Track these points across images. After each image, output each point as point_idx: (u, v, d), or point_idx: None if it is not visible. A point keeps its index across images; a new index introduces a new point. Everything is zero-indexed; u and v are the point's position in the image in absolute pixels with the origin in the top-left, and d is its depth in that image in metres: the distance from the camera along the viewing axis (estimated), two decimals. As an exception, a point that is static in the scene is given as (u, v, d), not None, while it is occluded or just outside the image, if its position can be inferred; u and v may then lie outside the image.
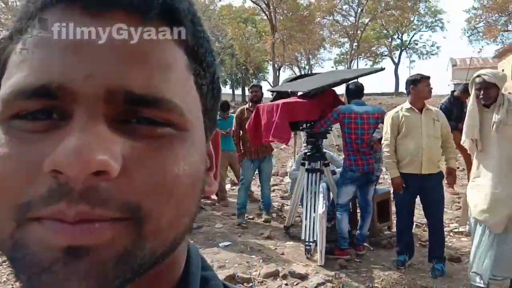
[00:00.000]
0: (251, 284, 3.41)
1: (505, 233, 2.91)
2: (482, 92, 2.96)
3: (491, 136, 2.98)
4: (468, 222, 3.36)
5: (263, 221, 5.21)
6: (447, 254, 3.79)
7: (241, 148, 5.23)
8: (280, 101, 4.14)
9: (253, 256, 4.00)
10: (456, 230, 4.62)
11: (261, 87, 5.39)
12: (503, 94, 3.01)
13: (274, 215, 5.49)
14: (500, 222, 2.89)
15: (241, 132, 5.19)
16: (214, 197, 6.41)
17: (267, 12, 22.81)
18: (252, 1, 23.87)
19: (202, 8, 24.35)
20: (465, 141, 3.10)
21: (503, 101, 2.96)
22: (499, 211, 2.89)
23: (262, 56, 27.76)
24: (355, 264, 3.82)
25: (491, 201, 2.92)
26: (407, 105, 3.63)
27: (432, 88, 3.60)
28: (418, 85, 3.54)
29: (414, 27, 36.64)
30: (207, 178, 0.39)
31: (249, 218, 5.33)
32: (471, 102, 3.07)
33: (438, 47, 40.58)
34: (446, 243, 4.22)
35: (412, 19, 32.93)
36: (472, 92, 3.05)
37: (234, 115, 5.45)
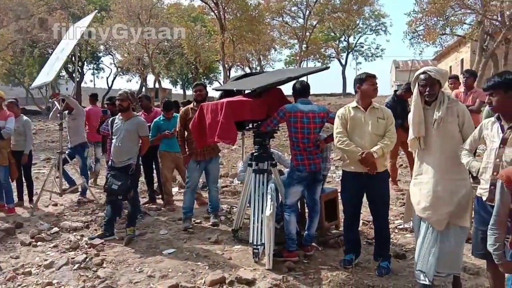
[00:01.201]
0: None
1: (447, 230, 2.94)
2: (427, 88, 2.97)
3: (432, 134, 3.00)
4: (412, 219, 3.38)
5: (211, 225, 5.03)
6: (392, 251, 3.83)
7: (187, 150, 5.01)
8: (225, 100, 3.98)
9: (199, 263, 3.81)
10: (400, 226, 4.70)
11: (205, 86, 5.19)
12: (443, 92, 3.05)
13: (222, 218, 5.33)
14: (442, 219, 2.92)
15: (186, 133, 4.97)
16: (160, 201, 6.14)
17: (216, 11, 22.57)
18: (201, 0, 23.56)
19: (149, 5, 23.63)
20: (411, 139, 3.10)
21: (443, 98, 2.99)
22: (441, 209, 2.92)
23: (212, 55, 27.45)
24: (303, 265, 3.75)
25: (433, 199, 2.94)
26: (353, 103, 3.61)
27: (377, 87, 3.59)
28: (363, 84, 3.52)
29: (359, 30, 38.04)
30: None
31: (196, 222, 5.12)
32: (414, 99, 3.06)
33: (382, 50, 42.54)
34: (391, 240, 4.27)
35: (357, 22, 34.11)
36: (415, 90, 3.05)
37: (178, 115, 5.21)
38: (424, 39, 18.78)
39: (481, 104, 6.02)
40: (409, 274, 3.47)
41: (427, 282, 2.98)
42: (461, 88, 6.49)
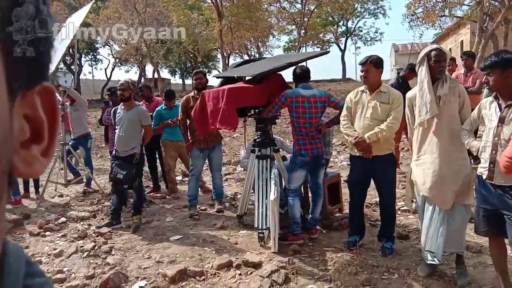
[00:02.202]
0: (203, 277, 3.29)
1: (452, 209, 2.99)
2: (442, 63, 2.95)
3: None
4: (414, 200, 3.42)
5: (216, 211, 5.09)
6: (395, 232, 3.89)
7: (189, 138, 5.04)
8: (226, 87, 4.00)
9: (206, 248, 3.88)
10: (403, 208, 4.75)
11: (205, 73, 5.20)
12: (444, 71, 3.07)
13: (227, 204, 5.39)
14: (448, 198, 2.96)
15: (188, 121, 4.99)
16: (164, 189, 6.20)
17: (213, -2, 22.34)
18: (197, -13, 23.29)
19: (144, -5, 23.35)
20: (424, 119, 3.00)
21: (446, 77, 3.02)
22: (447, 188, 2.96)
23: (210, 44, 27.23)
24: (308, 248, 3.82)
25: (438, 178, 2.97)
26: (363, 87, 3.64)
27: (368, 74, 3.48)
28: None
29: (358, 14, 37.57)
30: (23, 153, 0.28)
31: (201, 210, 5.19)
32: (425, 78, 2.98)
33: (381, 33, 42.00)
34: (394, 221, 4.33)
35: (355, 6, 33.73)
36: (424, 69, 2.99)
37: (180, 103, 5.23)
38: (423, 21, 18.62)
39: (481, 85, 6.01)
40: (412, 253, 3.54)
41: (436, 262, 3.03)
42: (461, 70, 6.49)
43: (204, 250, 3.84)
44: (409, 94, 3.24)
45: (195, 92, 5.04)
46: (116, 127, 4.64)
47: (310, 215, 4.13)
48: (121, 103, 4.64)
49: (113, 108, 4.92)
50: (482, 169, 2.67)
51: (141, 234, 4.37)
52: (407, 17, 19.10)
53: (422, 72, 3.01)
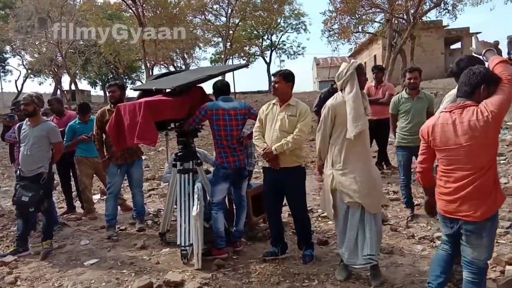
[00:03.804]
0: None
1: (375, 214, 3.15)
2: (366, 77, 3.19)
3: None
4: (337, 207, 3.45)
5: (137, 230, 4.85)
6: (315, 238, 4.00)
7: (106, 154, 4.76)
8: (143, 100, 3.85)
9: (124, 271, 3.65)
10: (324, 214, 4.92)
11: (121, 86, 4.94)
12: None
13: (149, 222, 5.16)
14: (378, 202, 3.17)
15: (103, 136, 4.72)
16: (80, 210, 5.78)
17: (134, 9, 21.64)
18: (117, -3, 22.43)
19: (59, 2, 21.96)
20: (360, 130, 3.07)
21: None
22: (378, 192, 3.17)
23: (133, 54, 26.30)
24: (232, 261, 3.77)
25: (371, 184, 3.11)
26: (275, 100, 3.71)
27: (278, 86, 3.58)
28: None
29: (281, 28, 38.97)
30: None
31: (120, 229, 4.90)
32: (357, 91, 3.07)
33: (303, 48, 43.80)
34: (314, 228, 4.47)
35: (279, 21, 34.95)
36: (356, 82, 3.09)
37: (95, 117, 4.94)
38: (339, 37, 19.84)
39: (390, 97, 6.51)
40: (331, 259, 3.66)
41: (358, 266, 3.16)
42: (372, 83, 6.97)
43: (122, 273, 3.61)
44: (332, 104, 3.19)
45: (111, 105, 4.79)
46: (21, 145, 4.24)
47: (234, 228, 4.10)
48: (26, 119, 4.26)
49: (18, 124, 4.49)
50: None
51: (51, 261, 4.00)
52: (325, 33, 20.21)
53: (355, 86, 3.09)
